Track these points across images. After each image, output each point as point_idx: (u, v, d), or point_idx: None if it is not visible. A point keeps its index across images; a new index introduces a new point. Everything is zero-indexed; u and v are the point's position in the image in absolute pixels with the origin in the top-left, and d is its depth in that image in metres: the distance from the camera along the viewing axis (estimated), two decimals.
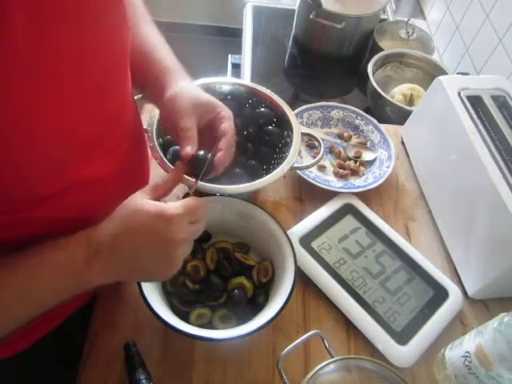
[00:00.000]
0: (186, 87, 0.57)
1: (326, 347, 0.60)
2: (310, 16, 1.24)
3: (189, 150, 0.52)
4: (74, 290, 0.45)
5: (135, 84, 0.58)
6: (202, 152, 0.53)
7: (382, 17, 1.41)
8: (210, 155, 0.54)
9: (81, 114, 0.44)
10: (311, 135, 0.82)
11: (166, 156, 0.71)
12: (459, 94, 0.79)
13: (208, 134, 0.57)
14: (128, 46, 0.51)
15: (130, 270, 0.47)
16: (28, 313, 0.44)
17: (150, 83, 0.60)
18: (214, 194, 0.67)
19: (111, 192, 0.52)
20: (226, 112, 0.58)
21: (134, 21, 0.60)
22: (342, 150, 0.94)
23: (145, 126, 0.71)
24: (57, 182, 0.45)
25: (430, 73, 1.21)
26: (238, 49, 1.43)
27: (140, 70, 0.58)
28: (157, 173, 0.68)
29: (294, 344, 0.58)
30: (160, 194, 0.50)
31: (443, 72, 1.17)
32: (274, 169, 0.72)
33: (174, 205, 0.46)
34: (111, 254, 0.45)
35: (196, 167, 0.53)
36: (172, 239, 0.46)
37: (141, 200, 0.47)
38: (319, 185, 0.83)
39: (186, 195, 0.51)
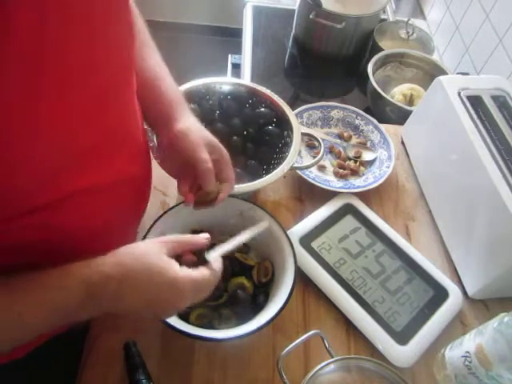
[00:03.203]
0: (196, 125, 0.60)
1: (326, 347, 0.60)
2: (310, 16, 1.24)
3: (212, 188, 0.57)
4: (57, 325, 0.44)
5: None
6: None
7: (382, 17, 1.41)
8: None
9: (83, 121, 0.44)
10: (311, 135, 0.82)
11: None
12: (459, 94, 0.79)
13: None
14: (134, 51, 0.51)
15: (120, 312, 0.48)
16: (6, 346, 0.43)
17: (152, 111, 0.61)
18: None
19: (112, 200, 0.52)
20: (227, 156, 0.61)
21: (139, 44, 0.60)
22: (341, 150, 0.94)
23: (145, 126, 0.71)
24: (55, 191, 0.44)
25: (429, 73, 1.21)
26: (238, 49, 1.43)
27: (142, 96, 0.59)
28: (156, 173, 0.68)
29: (294, 344, 0.58)
30: (180, 251, 0.50)
31: (443, 72, 1.17)
32: (274, 169, 0.72)
33: (188, 275, 0.46)
34: (110, 302, 0.44)
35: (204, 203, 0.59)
36: (176, 307, 0.48)
37: (160, 256, 0.46)
38: (319, 185, 0.83)
39: (200, 259, 0.50)
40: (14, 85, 0.35)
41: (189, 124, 0.59)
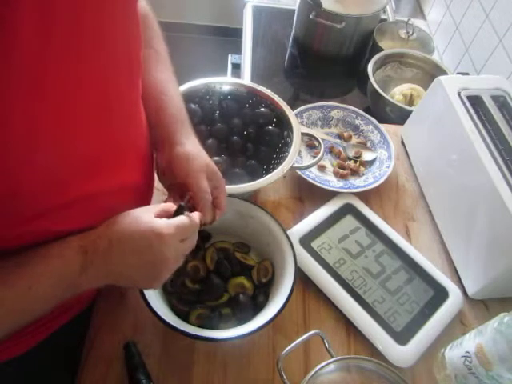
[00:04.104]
0: (196, 148, 0.59)
1: (326, 347, 0.60)
2: (310, 16, 1.24)
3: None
4: (64, 297, 0.45)
5: None
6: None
7: (382, 17, 1.41)
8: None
9: (86, 127, 0.44)
10: (311, 135, 0.82)
11: None
12: (459, 94, 0.79)
13: None
14: (141, 55, 0.51)
15: (117, 278, 0.49)
16: (18, 324, 0.44)
17: (152, 126, 0.60)
18: None
19: (114, 205, 0.52)
20: (223, 183, 0.60)
21: (149, 54, 0.61)
22: (342, 149, 0.94)
23: None
24: (59, 197, 0.44)
25: (430, 73, 1.21)
26: (238, 49, 1.43)
27: (145, 109, 0.59)
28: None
29: (294, 344, 0.58)
30: (163, 216, 0.51)
31: (443, 72, 1.17)
32: (274, 169, 0.72)
33: (167, 224, 0.48)
34: (104, 263, 0.46)
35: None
36: (162, 256, 0.48)
37: (142, 213, 0.49)
38: (319, 185, 0.83)
39: (179, 208, 0.52)
40: (16, 89, 0.34)
41: (190, 148, 0.58)
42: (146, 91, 0.57)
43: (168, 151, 0.58)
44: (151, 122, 0.60)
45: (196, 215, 0.53)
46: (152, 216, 0.49)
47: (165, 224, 0.48)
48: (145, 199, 0.63)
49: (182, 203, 0.53)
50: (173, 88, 0.62)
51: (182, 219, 0.50)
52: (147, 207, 0.51)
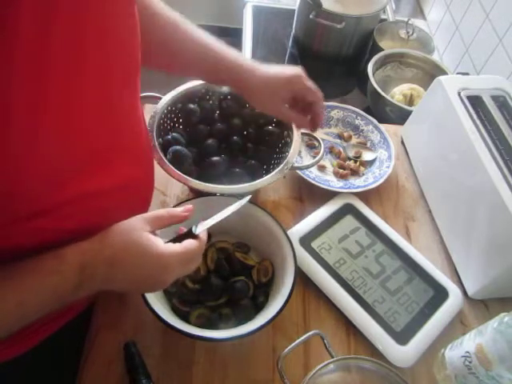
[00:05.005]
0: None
1: (326, 347, 0.60)
2: (310, 16, 1.24)
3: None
4: (54, 308, 0.45)
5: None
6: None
7: (382, 17, 1.41)
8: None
9: (87, 128, 0.44)
10: (311, 135, 0.82)
11: (166, 156, 0.71)
12: (459, 94, 0.79)
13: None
14: (139, 50, 0.51)
15: (113, 288, 0.49)
16: (6, 334, 0.44)
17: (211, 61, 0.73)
18: (214, 194, 0.67)
19: (116, 203, 0.52)
20: (307, 81, 0.74)
21: (176, 22, 0.68)
22: (342, 149, 0.94)
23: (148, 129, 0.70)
24: (58, 196, 0.44)
25: (429, 73, 1.21)
26: (238, 49, 1.42)
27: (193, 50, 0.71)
28: (155, 173, 0.68)
29: (294, 344, 0.58)
30: (162, 225, 0.51)
31: (443, 72, 1.17)
32: (274, 169, 0.72)
33: (172, 254, 0.48)
34: (101, 282, 0.46)
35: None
36: (163, 282, 0.49)
37: (143, 233, 0.47)
38: (319, 185, 0.83)
39: (188, 232, 0.51)
40: (17, 89, 0.34)
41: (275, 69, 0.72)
42: (187, 37, 0.69)
43: (254, 75, 0.72)
44: (205, 58, 0.72)
45: (204, 236, 0.52)
46: (151, 237, 0.47)
47: (170, 254, 0.47)
48: (145, 198, 0.63)
49: (193, 230, 0.51)
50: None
51: (188, 245, 0.49)
52: (142, 221, 0.49)
